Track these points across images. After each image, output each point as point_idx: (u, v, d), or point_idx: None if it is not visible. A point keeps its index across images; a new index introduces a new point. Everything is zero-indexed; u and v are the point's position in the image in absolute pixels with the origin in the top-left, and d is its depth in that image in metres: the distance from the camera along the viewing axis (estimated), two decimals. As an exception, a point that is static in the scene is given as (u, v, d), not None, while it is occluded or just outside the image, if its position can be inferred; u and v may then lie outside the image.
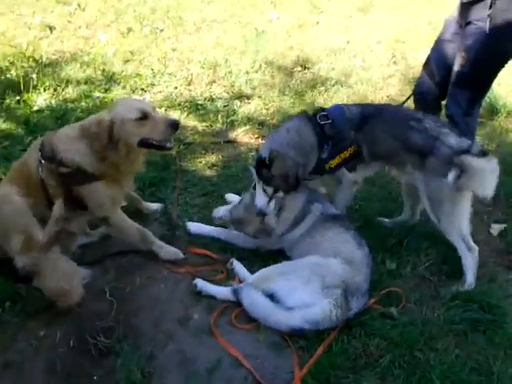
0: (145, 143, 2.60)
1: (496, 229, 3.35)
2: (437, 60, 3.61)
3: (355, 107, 3.04)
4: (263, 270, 2.63)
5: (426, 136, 2.81)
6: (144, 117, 2.55)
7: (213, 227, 3.03)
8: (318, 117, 2.94)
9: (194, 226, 3.03)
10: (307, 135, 2.92)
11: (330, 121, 2.91)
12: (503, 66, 3.32)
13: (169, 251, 2.82)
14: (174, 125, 2.62)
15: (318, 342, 2.35)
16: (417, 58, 5.73)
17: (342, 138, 2.90)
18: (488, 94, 4.94)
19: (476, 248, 2.85)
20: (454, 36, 3.46)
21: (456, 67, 3.38)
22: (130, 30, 6.18)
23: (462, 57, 3.32)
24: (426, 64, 3.73)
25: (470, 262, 2.83)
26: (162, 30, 6.40)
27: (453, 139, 2.78)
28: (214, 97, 4.86)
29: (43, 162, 2.52)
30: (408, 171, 2.93)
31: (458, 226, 2.83)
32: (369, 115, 2.96)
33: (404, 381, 2.24)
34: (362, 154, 2.93)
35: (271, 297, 2.47)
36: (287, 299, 2.46)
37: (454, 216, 2.82)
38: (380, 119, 2.96)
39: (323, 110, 3.02)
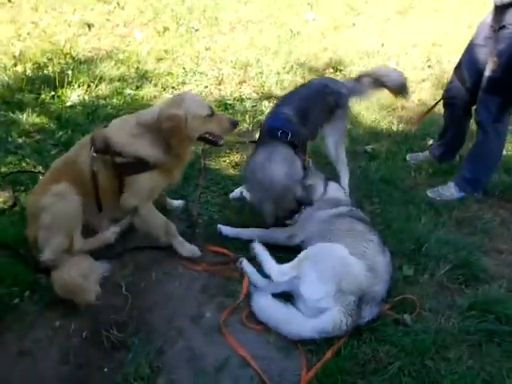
0: (202, 137, 2.76)
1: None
2: (468, 65, 3.55)
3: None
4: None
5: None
6: (212, 114, 2.71)
7: (243, 229, 3.05)
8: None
9: (226, 230, 3.06)
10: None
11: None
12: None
13: (187, 248, 2.88)
14: (235, 124, 2.84)
15: (327, 346, 2.34)
16: (452, 62, 5.55)
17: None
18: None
19: None
20: (486, 40, 3.39)
21: (487, 72, 3.32)
22: (166, 29, 6.30)
23: (493, 62, 3.26)
24: (457, 68, 3.67)
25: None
26: (197, 30, 6.51)
27: None
28: (243, 97, 4.92)
29: (95, 155, 2.62)
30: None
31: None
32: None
33: (412, 389, 2.21)
34: None
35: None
36: (303, 288, 2.48)
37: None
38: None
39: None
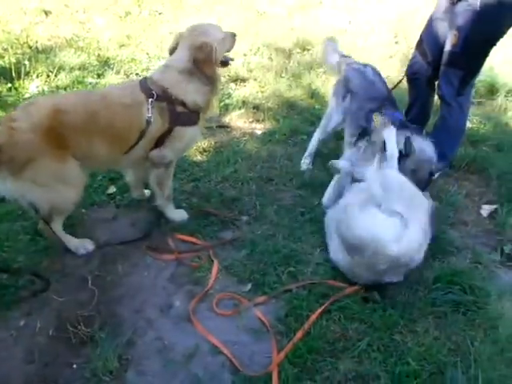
0: (222, 61, 2.80)
1: (486, 210, 3.31)
2: (429, 39, 3.55)
3: None
4: None
5: None
6: (225, 35, 2.79)
7: None
8: None
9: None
10: None
11: None
12: (494, 45, 3.24)
13: (177, 213, 3.03)
14: (234, 35, 2.87)
15: (297, 327, 2.36)
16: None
17: None
18: (488, 73, 4.89)
19: None
20: (445, 14, 3.39)
21: (448, 46, 3.32)
22: (127, 13, 6.18)
23: (453, 35, 3.26)
24: (419, 44, 3.67)
25: None
26: (160, 13, 6.39)
27: None
28: (209, 81, 4.83)
29: (152, 101, 2.60)
30: None
31: None
32: None
33: (380, 363, 2.24)
34: None
35: None
36: None
37: None
38: None
39: None
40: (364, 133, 3.18)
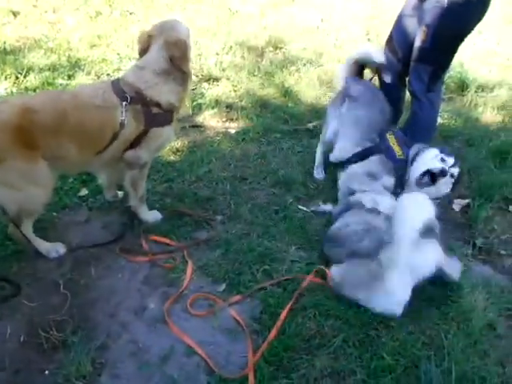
0: None
1: (458, 204, 3.36)
2: (399, 36, 3.58)
3: None
4: None
5: None
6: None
7: None
8: None
9: None
10: None
11: None
12: (463, 40, 3.29)
13: (151, 214, 3.00)
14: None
15: (272, 325, 2.36)
16: (390, 33, 5.68)
17: None
18: (458, 69, 4.96)
19: None
20: (414, 11, 3.42)
21: (417, 42, 3.35)
22: (98, 13, 6.06)
23: (422, 32, 3.29)
24: (389, 40, 3.70)
25: None
26: (132, 13, 6.29)
27: None
28: (182, 80, 4.79)
29: (126, 104, 2.56)
30: None
31: None
32: None
33: (356, 359, 2.25)
34: None
35: None
36: None
37: None
38: None
39: None
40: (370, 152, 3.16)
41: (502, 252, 3.01)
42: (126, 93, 2.59)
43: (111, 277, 2.63)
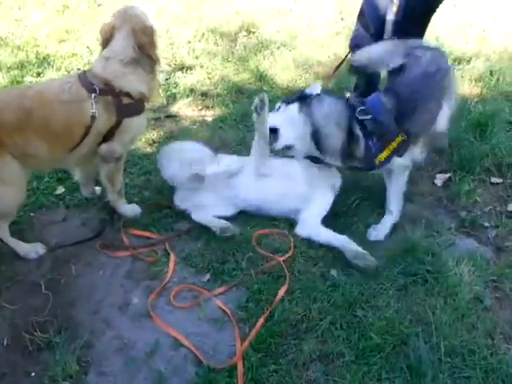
0: None
1: (440, 179, 3.35)
2: (370, 10, 3.53)
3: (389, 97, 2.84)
4: None
5: None
6: None
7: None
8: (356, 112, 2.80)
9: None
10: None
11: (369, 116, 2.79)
12: (434, 11, 3.26)
13: (129, 208, 2.95)
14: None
15: (259, 312, 2.34)
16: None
17: (387, 131, 2.78)
18: (435, 43, 4.92)
19: (399, 211, 2.95)
20: (383, -16, 3.37)
21: (389, 16, 3.31)
22: (65, 7, 5.95)
23: (394, 4, 3.25)
24: (360, 15, 3.65)
25: (389, 221, 2.91)
26: (100, 5, 6.17)
27: None
28: (155, 70, 4.70)
29: (95, 96, 2.49)
30: None
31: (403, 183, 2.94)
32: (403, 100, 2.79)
33: (344, 341, 2.24)
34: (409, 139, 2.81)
35: None
36: None
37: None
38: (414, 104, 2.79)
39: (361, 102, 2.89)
40: None
41: (486, 224, 3.00)
42: (95, 85, 2.52)
43: (92, 274, 2.58)
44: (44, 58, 4.64)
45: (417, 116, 2.77)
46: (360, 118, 2.78)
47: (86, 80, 2.55)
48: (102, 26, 2.67)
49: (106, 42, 2.63)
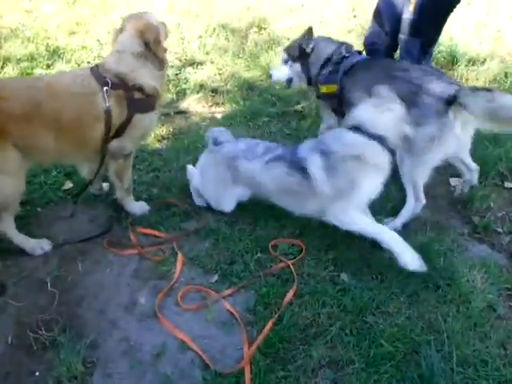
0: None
1: (455, 183, 3.29)
2: (385, 8, 3.48)
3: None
4: None
5: (410, 86, 2.76)
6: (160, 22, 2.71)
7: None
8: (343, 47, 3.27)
9: None
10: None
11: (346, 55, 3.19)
12: (452, 11, 3.20)
13: (138, 206, 2.92)
14: (165, 23, 2.80)
15: (267, 316, 2.30)
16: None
17: (335, 72, 3.16)
18: (448, 43, 4.86)
19: (422, 201, 2.89)
20: (401, -17, 3.31)
21: (405, 14, 3.26)
22: (76, -1, 5.89)
23: (411, 3, 3.20)
24: (376, 13, 3.60)
25: (408, 209, 2.89)
26: (110, -3, 6.11)
27: (437, 87, 2.71)
28: (165, 65, 4.65)
29: (107, 89, 2.46)
30: None
31: (415, 173, 2.85)
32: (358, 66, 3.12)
33: (354, 347, 2.19)
34: (342, 99, 3.11)
35: None
36: None
37: (415, 164, 2.82)
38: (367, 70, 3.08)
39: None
40: None
41: (499, 230, 2.94)
42: (107, 78, 2.48)
43: (99, 272, 2.55)
44: (54, 51, 4.61)
45: None
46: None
47: (98, 73, 2.51)
48: (113, 31, 2.71)
49: (115, 41, 2.64)
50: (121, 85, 2.51)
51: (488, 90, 2.72)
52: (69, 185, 3.11)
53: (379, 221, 2.75)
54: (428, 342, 2.20)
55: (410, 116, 2.65)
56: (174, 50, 4.91)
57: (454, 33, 5.20)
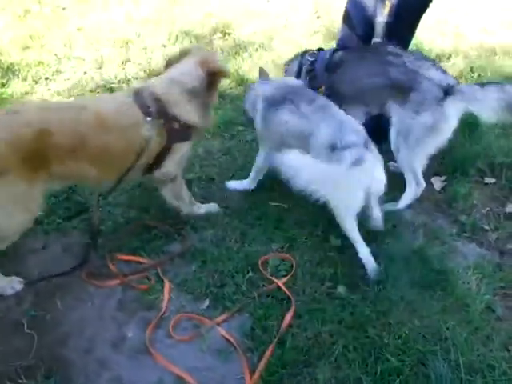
0: None
1: (437, 182, 3.25)
2: (355, 11, 3.39)
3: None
4: None
5: (406, 71, 2.85)
6: None
7: None
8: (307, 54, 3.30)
9: None
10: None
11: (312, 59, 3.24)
12: (425, 11, 3.16)
13: (208, 208, 2.92)
14: None
15: (266, 340, 2.18)
16: (340, 10, 5.51)
17: (315, 77, 3.17)
18: (414, 41, 4.84)
19: (423, 185, 2.99)
20: (369, -17, 3.24)
21: (380, 18, 3.17)
22: (27, 11, 5.63)
23: (386, 6, 3.13)
24: (345, 16, 3.50)
25: (410, 193, 2.98)
26: (64, 9, 5.88)
27: (434, 74, 2.80)
28: (129, 77, 4.47)
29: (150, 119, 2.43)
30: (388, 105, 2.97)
31: (414, 160, 2.93)
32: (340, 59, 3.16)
33: (360, 365, 2.10)
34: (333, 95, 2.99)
35: None
36: None
37: (413, 150, 2.90)
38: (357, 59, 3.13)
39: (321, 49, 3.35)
40: None
41: (486, 227, 2.92)
42: (150, 107, 2.43)
43: (80, 307, 2.37)
44: (8, 68, 4.34)
45: None
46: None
47: (142, 101, 2.45)
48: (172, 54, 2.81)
49: (169, 65, 2.68)
50: (163, 114, 2.47)
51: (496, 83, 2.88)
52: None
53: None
54: (434, 352, 2.13)
55: (409, 102, 2.80)
56: (137, 61, 4.74)
57: (417, 31, 5.19)
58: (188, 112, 2.54)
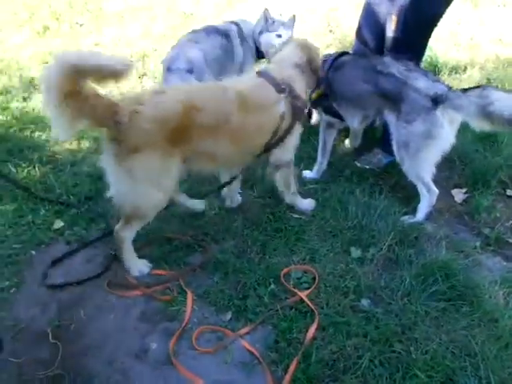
0: None
1: (458, 194, 3.22)
2: (367, 26, 3.41)
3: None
4: None
5: (394, 80, 2.92)
6: None
7: None
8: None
9: None
10: None
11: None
12: (435, 26, 3.15)
13: (307, 202, 3.02)
14: None
15: (291, 352, 2.15)
16: (352, 25, 5.52)
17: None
18: (428, 53, 4.85)
19: (436, 191, 2.98)
20: (381, -2, 3.26)
21: (388, 32, 3.18)
22: (46, 28, 5.75)
23: (392, 20, 3.13)
24: (358, 30, 3.53)
25: (424, 202, 2.99)
26: (82, 25, 5.99)
27: (422, 83, 2.85)
28: (146, 91, 4.51)
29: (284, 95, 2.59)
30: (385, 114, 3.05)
31: (419, 169, 2.95)
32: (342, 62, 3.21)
33: (388, 380, 2.06)
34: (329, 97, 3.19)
35: None
36: None
37: (416, 160, 2.93)
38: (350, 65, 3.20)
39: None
40: None
41: (511, 240, 2.88)
42: (283, 85, 2.59)
43: (103, 317, 2.36)
44: (29, 82, 4.41)
45: None
46: None
47: (274, 81, 2.60)
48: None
49: (275, 54, 2.95)
50: (290, 92, 2.61)
51: (478, 87, 2.82)
52: (59, 224, 2.91)
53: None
54: (463, 369, 2.08)
55: (401, 112, 2.88)
56: (153, 74, 4.79)
57: (431, 42, 5.20)
58: (302, 91, 2.71)
